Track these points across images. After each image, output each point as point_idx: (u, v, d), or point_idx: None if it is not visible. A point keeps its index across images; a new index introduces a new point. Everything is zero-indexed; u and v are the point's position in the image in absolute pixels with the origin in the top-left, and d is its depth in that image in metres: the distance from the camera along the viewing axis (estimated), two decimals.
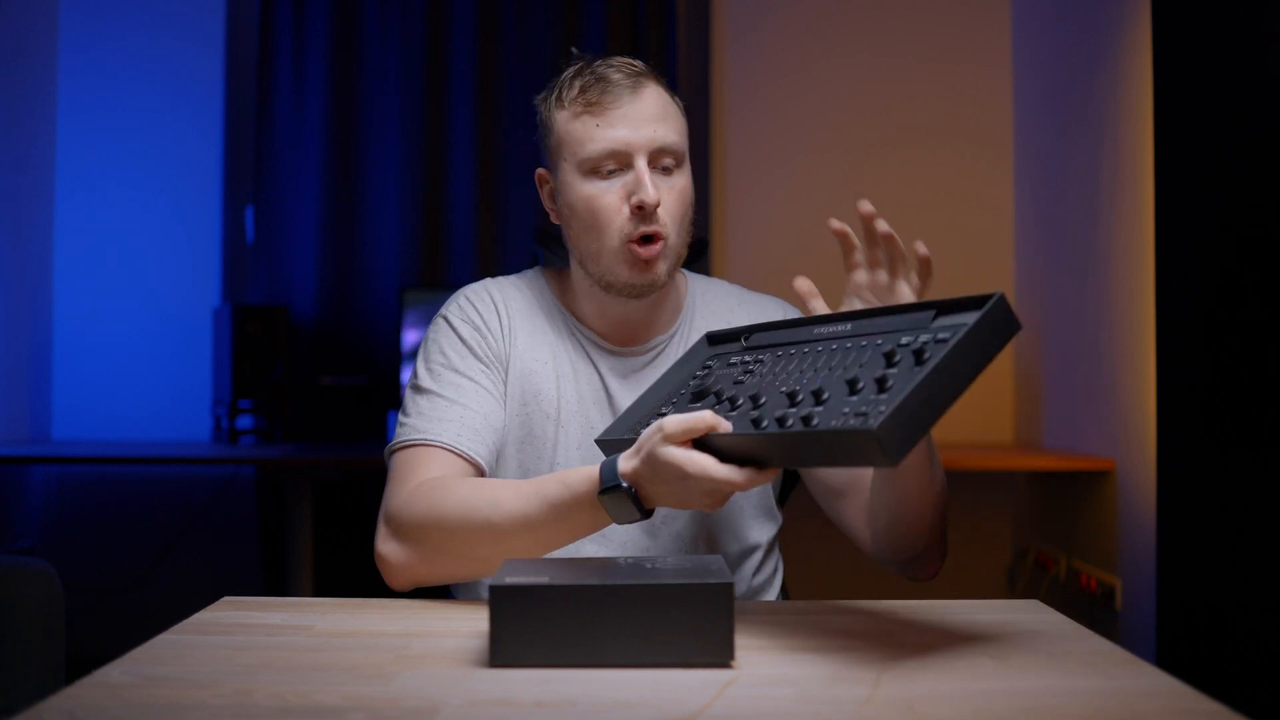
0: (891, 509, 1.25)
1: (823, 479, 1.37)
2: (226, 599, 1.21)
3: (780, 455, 1.04)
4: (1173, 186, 2.27)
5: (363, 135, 3.51)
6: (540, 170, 1.42)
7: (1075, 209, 2.94)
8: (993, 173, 3.44)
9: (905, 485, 1.22)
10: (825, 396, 1.03)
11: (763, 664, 0.96)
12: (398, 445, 1.32)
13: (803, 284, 1.28)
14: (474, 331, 1.39)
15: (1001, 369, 3.38)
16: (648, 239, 1.31)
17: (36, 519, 3.36)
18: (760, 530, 1.44)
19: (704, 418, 1.04)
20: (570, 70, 1.36)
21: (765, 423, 1.04)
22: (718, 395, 1.18)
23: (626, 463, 1.10)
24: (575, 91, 1.33)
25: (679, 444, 1.05)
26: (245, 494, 3.40)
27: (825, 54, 3.48)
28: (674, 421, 1.05)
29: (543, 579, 0.95)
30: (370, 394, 3.39)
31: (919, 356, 0.99)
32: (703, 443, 1.05)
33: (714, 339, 1.33)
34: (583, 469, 1.15)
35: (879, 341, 1.07)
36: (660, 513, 1.37)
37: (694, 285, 1.49)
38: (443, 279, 3.48)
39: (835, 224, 1.24)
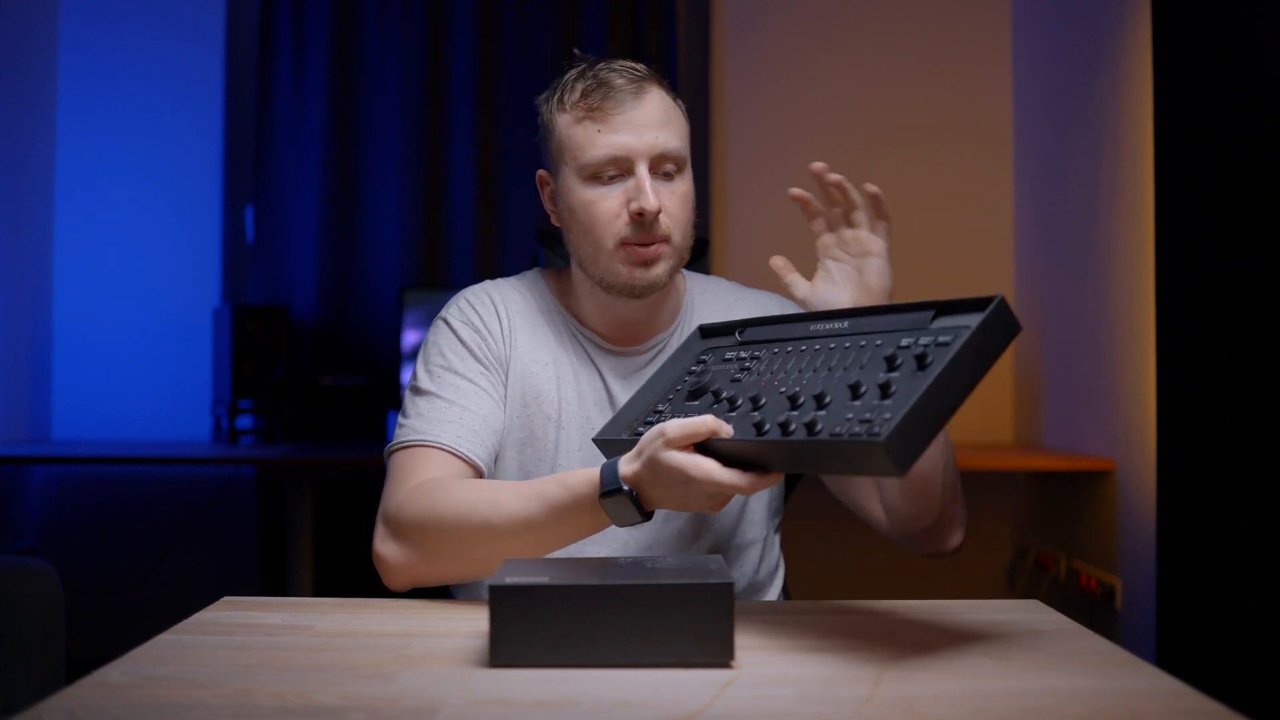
0: (899, 480, 1.25)
1: None
2: (226, 599, 1.21)
3: (784, 461, 1.04)
4: (1173, 186, 2.27)
5: (363, 135, 3.51)
6: (541, 172, 1.42)
7: (1075, 209, 2.94)
8: (993, 173, 3.44)
9: None
10: (828, 401, 1.02)
11: (763, 664, 0.96)
12: (396, 446, 1.32)
13: (778, 260, 1.33)
14: (474, 333, 1.39)
15: (1001, 369, 3.38)
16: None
17: (36, 519, 3.36)
18: (762, 525, 1.44)
19: (706, 422, 1.04)
20: (573, 73, 1.35)
21: (768, 428, 1.04)
22: (715, 394, 1.17)
23: (627, 466, 1.10)
24: (577, 95, 1.32)
25: (680, 448, 1.05)
26: (245, 494, 3.40)
27: (825, 54, 3.47)
28: (676, 426, 1.05)
29: (543, 579, 0.95)
30: (370, 394, 3.39)
31: (921, 361, 0.98)
32: (705, 446, 1.05)
33: (707, 331, 1.33)
34: (583, 471, 1.15)
35: (878, 342, 1.07)
36: (661, 510, 1.37)
37: (692, 284, 1.49)
38: (443, 279, 3.48)
39: (794, 191, 1.31)
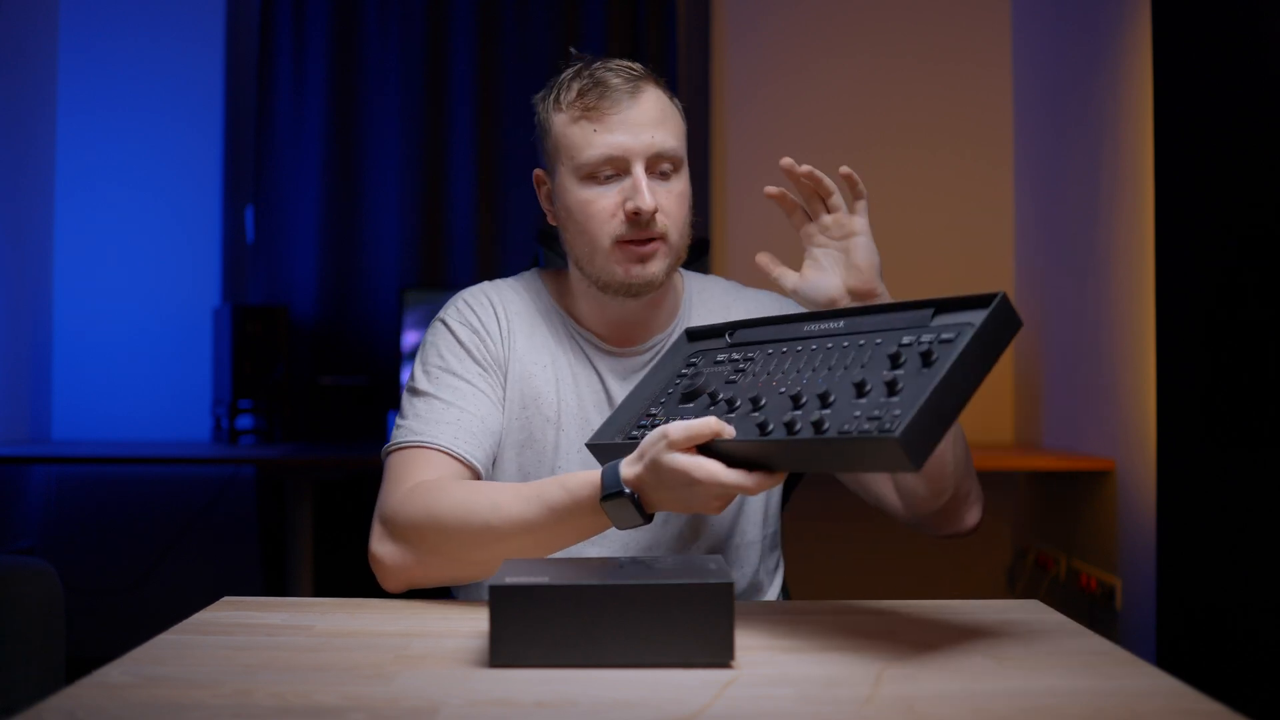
0: None
1: None
2: (226, 599, 1.21)
3: (791, 460, 1.03)
4: (1173, 186, 2.27)
5: (363, 135, 3.51)
6: (538, 171, 1.42)
7: (1075, 209, 2.94)
8: (993, 173, 3.44)
9: None
10: (832, 399, 1.02)
11: (763, 664, 0.96)
12: (394, 447, 1.32)
13: (763, 257, 1.33)
14: (472, 335, 1.39)
15: (1001, 369, 3.38)
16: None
17: (36, 519, 3.36)
18: (762, 525, 1.44)
19: (709, 424, 1.04)
20: (569, 72, 1.35)
21: (771, 428, 1.04)
22: (712, 396, 1.17)
23: (629, 468, 1.10)
24: (573, 95, 1.32)
25: (683, 450, 1.05)
26: (245, 494, 3.40)
27: (825, 54, 3.48)
28: (679, 428, 1.04)
29: (543, 579, 0.95)
30: (370, 394, 3.39)
31: (926, 358, 0.98)
32: (707, 447, 1.05)
33: (694, 334, 1.32)
34: (583, 474, 1.15)
35: (878, 341, 1.07)
36: (660, 511, 1.37)
37: (690, 283, 1.49)
38: (443, 279, 3.48)
39: (770, 189, 1.32)
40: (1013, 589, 3.26)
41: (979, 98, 3.45)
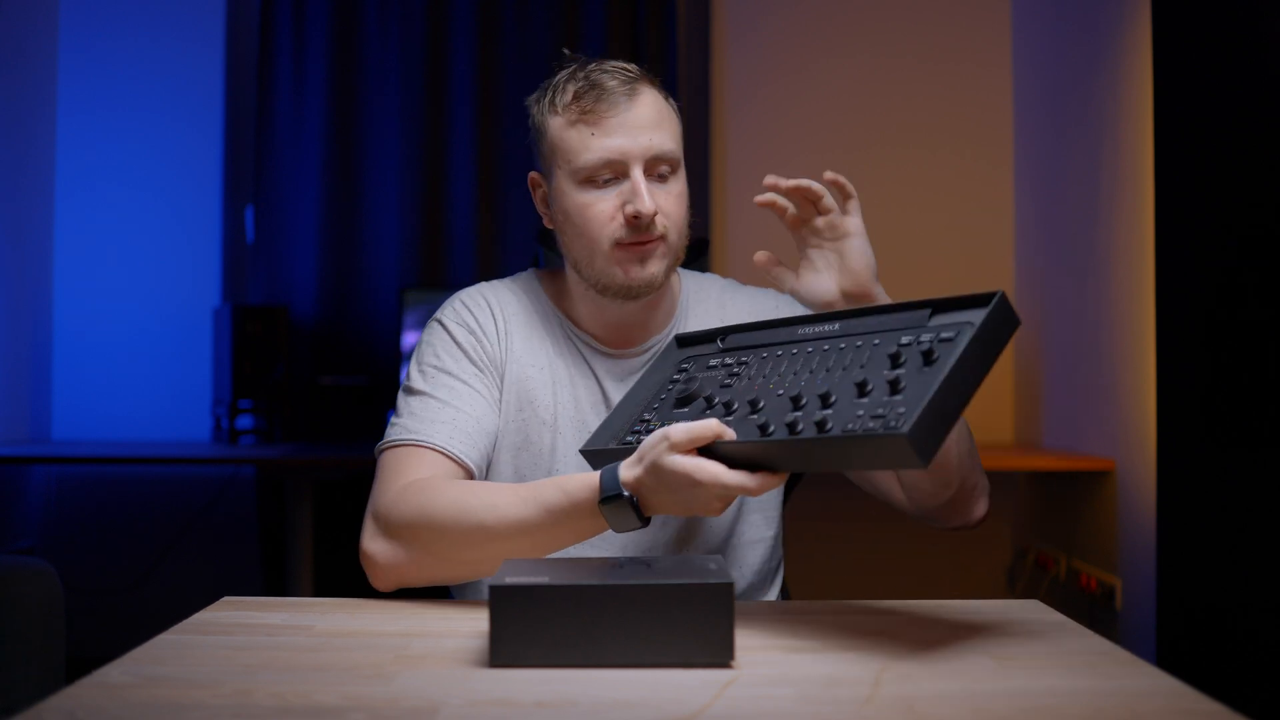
0: None
1: None
2: (226, 599, 1.21)
3: (795, 461, 1.03)
4: (1173, 186, 2.27)
5: (363, 135, 3.51)
6: (533, 174, 1.40)
7: (1075, 209, 2.94)
8: (993, 173, 3.44)
9: None
10: (833, 399, 1.02)
11: (763, 664, 0.96)
12: (387, 444, 1.31)
13: (761, 256, 1.30)
14: (469, 335, 1.38)
15: (1001, 369, 3.38)
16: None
17: (36, 519, 3.36)
18: (763, 525, 1.44)
19: (710, 426, 1.04)
20: (563, 74, 1.34)
21: (773, 429, 1.04)
22: (708, 400, 1.16)
23: (628, 471, 1.09)
24: (569, 98, 1.31)
25: (685, 452, 1.05)
26: (245, 494, 3.40)
27: (825, 54, 3.47)
28: (680, 430, 1.04)
29: (543, 579, 0.95)
30: (370, 394, 3.39)
31: (928, 357, 0.99)
32: (707, 450, 1.05)
33: (683, 340, 1.32)
34: (582, 476, 1.14)
35: (876, 341, 1.07)
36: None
37: (687, 283, 1.48)
38: (443, 279, 3.49)
39: (760, 199, 1.26)
40: (1013, 589, 3.26)
41: (979, 98, 3.45)
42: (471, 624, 1.10)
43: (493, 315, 1.40)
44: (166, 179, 3.45)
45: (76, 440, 3.35)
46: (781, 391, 1.09)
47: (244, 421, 3.25)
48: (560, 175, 1.33)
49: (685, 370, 1.26)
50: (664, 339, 1.42)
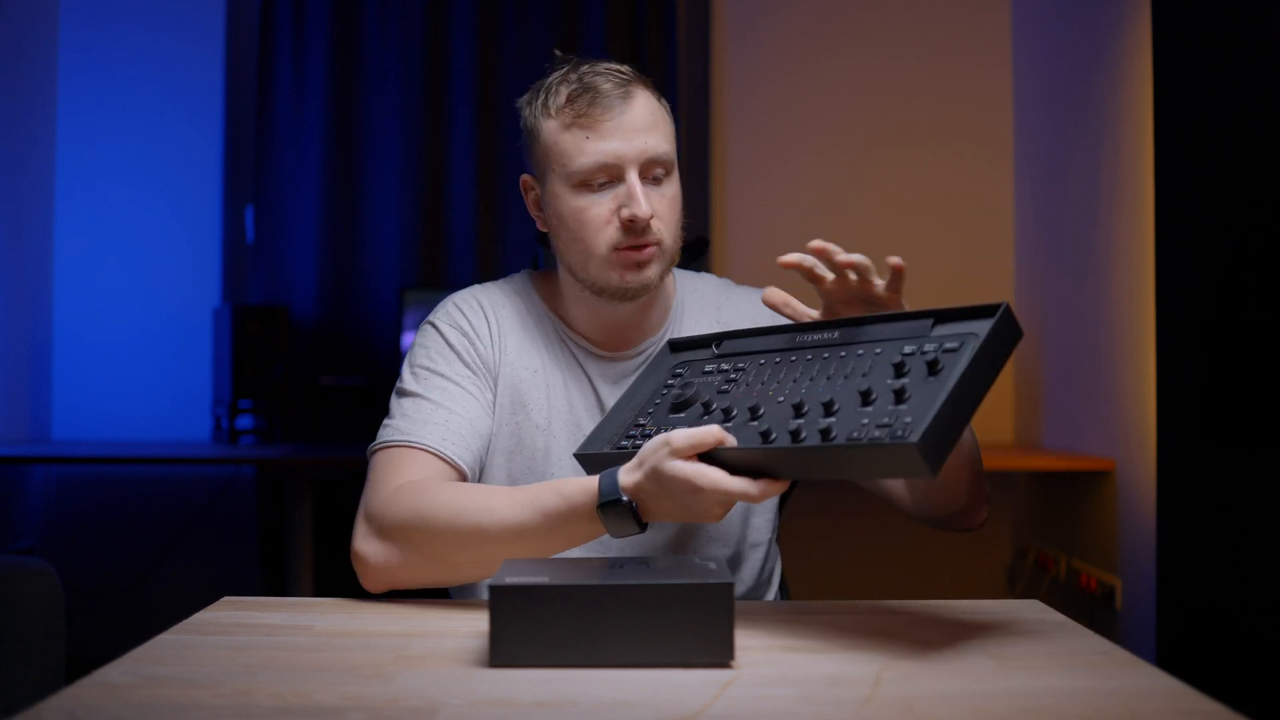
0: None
1: None
2: (226, 599, 1.21)
3: (797, 468, 1.03)
4: (1173, 186, 2.27)
5: (363, 135, 3.51)
6: (525, 177, 1.39)
7: (1075, 209, 2.94)
8: (993, 173, 3.44)
9: None
10: (836, 408, 1.02)
11: (763, 664, 0.96)
12: (380, 445, 1.30)
13: (774, 295, 1.21)
14: (462, 338, 1.37)
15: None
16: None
17: (36, 519, 3.36)
18: (760, 528, 1.43)
19: (712, 432, 1.04)
20: (555, 76, 1.32)
21: (774, 436, 1.03)
22: (705, 406, 1.16)
23: (628, 476, 1.09)
24: (563, 100, 1.29)
25: (686, 458, 1.04)
26: (245, 494, 3.40)
27: (825, 54, 3.48)
28: (682, 436, 1.04)
29: (543, 579, 0.95)
30: (370, 394, 3.39)
31: (933, 367, 0.99)
32: (708, 456, 1.05)
33: (677, 346, 1.31)
34: (579, 480, 1.13)
35: (878, 350, 1.06)
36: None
37: (682, 283, 1.47)
38: (443, 279, 3.49)
39: (785, 260, 1.15)
40: (1013, 589, 3.26)
41: (979, 98, 3.45)
42: (471, 624, 1.10)
43: (486, 318, 1.40)
44: (166, 179, 3.45)
45: (76, 440, 3.35)
46: (782, 398, 1.09)
47: (244, 421, 3.25)
48: (554, 179, 1.31)
49: (680, 375, 1.25)
50: (658, 341, 1.41)
